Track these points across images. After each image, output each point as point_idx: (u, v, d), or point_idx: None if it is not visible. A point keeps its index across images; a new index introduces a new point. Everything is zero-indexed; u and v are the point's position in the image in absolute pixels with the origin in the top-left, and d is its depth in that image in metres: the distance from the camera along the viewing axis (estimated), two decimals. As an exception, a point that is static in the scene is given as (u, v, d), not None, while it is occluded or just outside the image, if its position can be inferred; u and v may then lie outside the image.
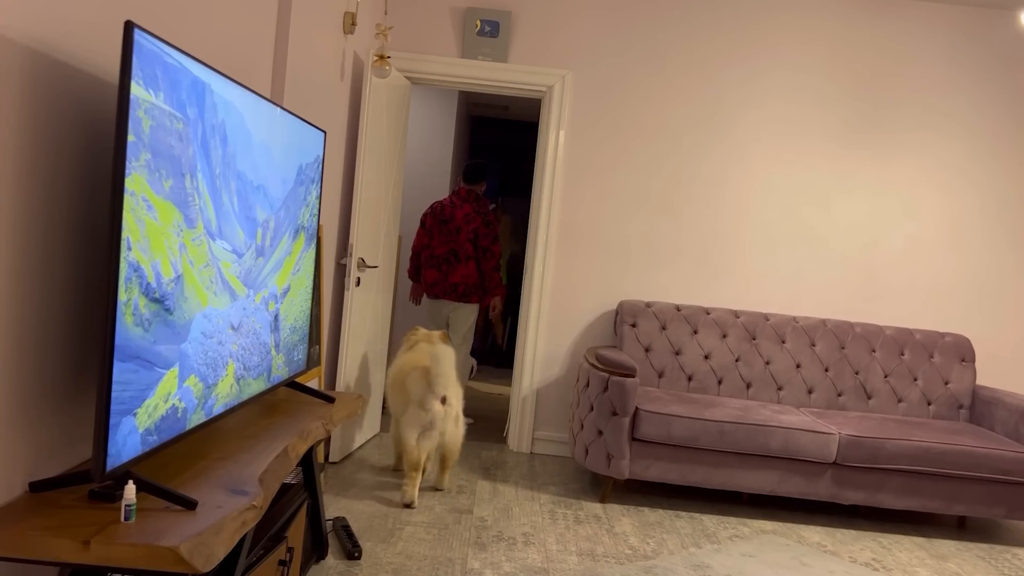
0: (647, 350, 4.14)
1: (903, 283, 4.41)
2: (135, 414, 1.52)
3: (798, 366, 4.16)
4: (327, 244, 3.63)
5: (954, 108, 4.35)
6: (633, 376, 3.54)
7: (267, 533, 2.08)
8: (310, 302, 2.68)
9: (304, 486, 2.53)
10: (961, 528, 3.81)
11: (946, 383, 4.17)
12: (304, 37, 3.01)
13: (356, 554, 2.79)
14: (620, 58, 4.32)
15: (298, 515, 2.34)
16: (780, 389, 4.14)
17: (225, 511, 1.53)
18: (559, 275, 4.41)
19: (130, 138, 1.42)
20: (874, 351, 4.19)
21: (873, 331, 4.23)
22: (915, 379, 4.17)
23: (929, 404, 4.16)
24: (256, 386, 2.20)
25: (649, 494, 3.87)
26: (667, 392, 3.98)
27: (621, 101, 4.34)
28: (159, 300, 1.58)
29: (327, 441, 3.79)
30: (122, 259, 1.42)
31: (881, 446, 3.55)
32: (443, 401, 3.36)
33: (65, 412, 1.66)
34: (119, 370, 1.44)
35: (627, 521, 3.46)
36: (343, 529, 2.94)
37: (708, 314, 4.21)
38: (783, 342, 4.18)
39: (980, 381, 4.46)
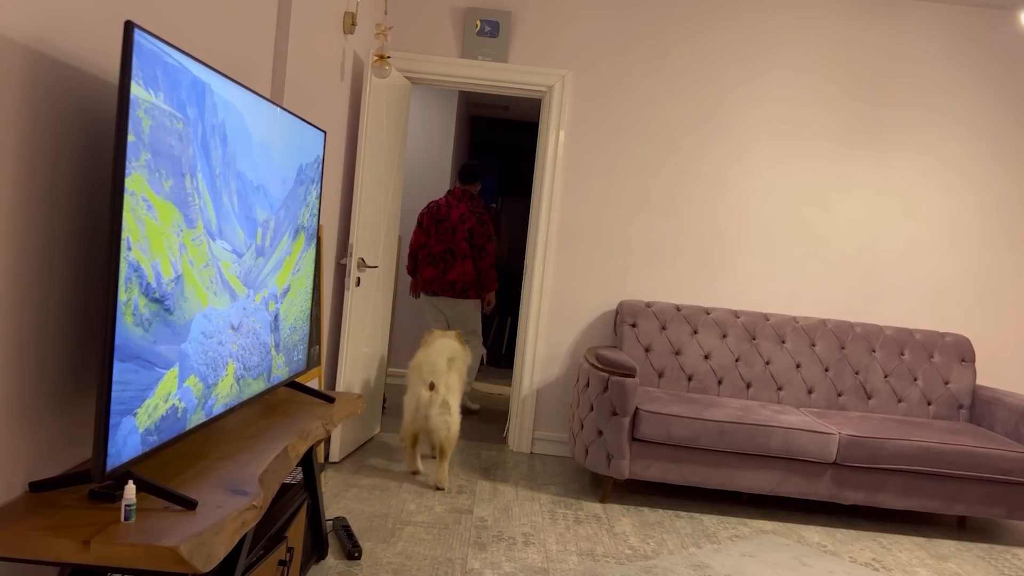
0: (647, 350, 4.14)
1: (903, 283, 4.41)
2: (135, 414, 1.52)
3: (798, 366, 4.16)
4: (327, 244, 3.63)
5: (954, 108, 4.35)
6: (633, 376, 3.54)
7: (267, 533, 2.08)
8: (310, 302, 2.68)
9: (304, 486, 2.53)
10: (961, 528, 3.81)
11: (946, 383, 4.17)
12: (304, 37, 3.01)
13: (356, 554, 2.79)
14: (620, 58, 4.32)
15: (298, 515, 2.34)
16: (780, 389, 4.15)
17: (225, 511, 1.53)
18: (559, 275, 4.41)
19: (130, 138, 1.42)
20: (874, 351, 4.19)
21: (873, 331, 4.23)
22: (915, 379, 4.17)
23: (929, 404, 4.16)
24: (256, 386, 2.20)
25: (649, 494, 3.87)
26: (667, 392, 3.98)
27: (621, 101, 4.34)
28: (159, 300, 1.58)
29: (327, 441, 3.79)
30: (122, 259, 1.42)
31: (881, 446, 3.55)
32: (431, 387, 3.59)
33: (65, 412, 1.66)
34: (119, 370, 1.44)
35: (627, 521, 3.46)
36: (343, 529, 2.94)
37: (708, 314, 4.21)
38: (783, 342, 4.19)
39: (980, 381, 4.46)
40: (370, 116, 3.76)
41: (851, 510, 3.91)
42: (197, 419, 1.81)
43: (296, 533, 2.32)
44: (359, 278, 3.84)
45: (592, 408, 3.66)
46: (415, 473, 3.76)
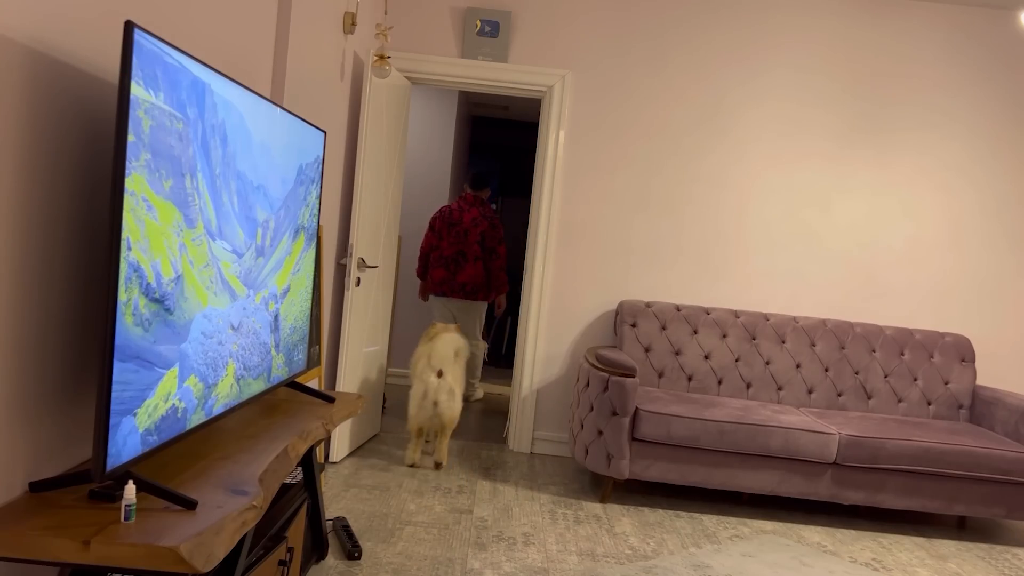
0: (647, 350, 4.14)
1: (903, 283, 4.41)
2: (135, 414, 1.52)
3: (798, 366, 4.16)
4: (327, 244, 3.63)
5: (954, 108, 4.35)
6: (633, 376, 3.54)
7: (267, 533, 2.08)
8: (310, 302, 2.68)
9: (304, 486, 2.53)
10: (961, 528, 3.81)
11: (946, 383, 4.17)
12: (304, 37, 3.01)
13: (356, 554, 2.79)
14: (620, 58, 4.32)
15: (298, 515, 2.34)
16: (780, 389, 4.14)
17: (225, 511, 1.53)
18: (559, 275, 4.41)
19: (130, 138, 1.42)
20: (874, 351, 4.19)
21: (873, 331, 4.23)
22: (915, 379, 4.17)
23: (929, 404, 4.16)
24: (256, 386, 2.20)
25: (649, 494, 3.87)
26: (667, 392, 3.98)
27: (621, 101, 4.34)
28: (159, 300, 1.58)
29: (327, 441, 3.79)
30: (122, 259, 1.42)
31: (881, 446, 3.55)
32: (439, 375, 3.84)
33: (65, 412, 1.66)
34: (119, 370, 1.44)
35: (627, 521, 3.46)
36: (343, 529, 2.94)
37: (708, 314, 4.21)
38: (783, 342, 4.19)
39: (980, 381, 4.46)
40: (370, 116, 3.76)
41: (851, 510, 3.91)
42: (197, 419, 1.81)
43: (296, 533, 2.32)
44: (359, 278, 3.84)
45: (592, 408, 3.66)
46: (412, 466, 3.91)
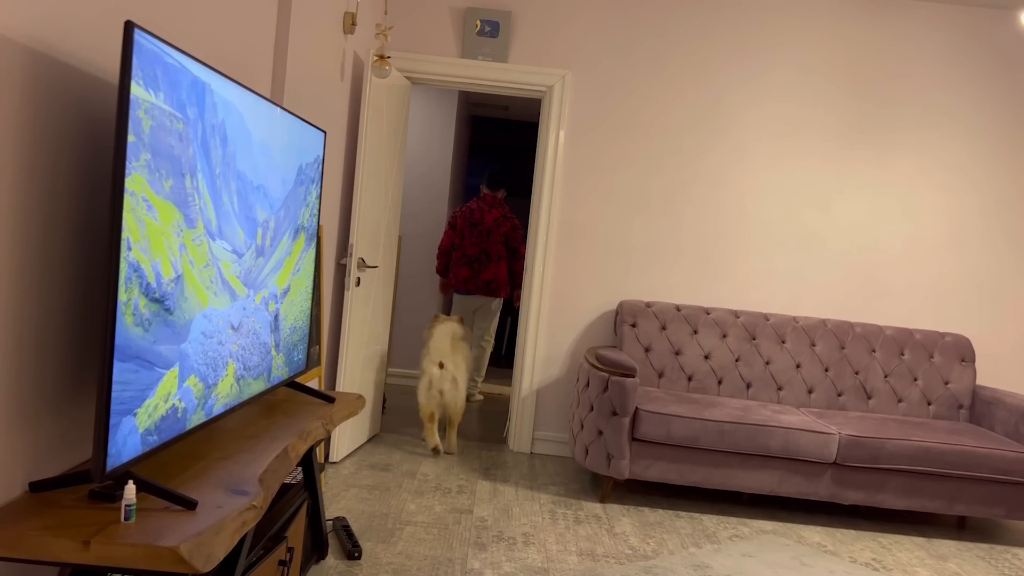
0: (647, 350, 4.14)
1: (903, 283, 4.41)
2: (135, 414, 1.52)
3: (798, 366, 4.16)
4: (327, 244, 3.63)
5: (954, 108, 4.35)
6: (633, 376, 3.54)
7: (267, 533, 2.08)
8: (310, 302, 2.68)
9: (304, 486, 2.53)
10: (961, 528, 3.81)
11: (946, 383, 4.17)
12: (304, 37, 3.01)
13: (356, 554, 2.79)
14: (620, 58, 4.32)
15: (298, 515, 2.34)
16: (780, 389, 4.14)
17: (225, 511, 1.53)
18: (559, 275, 4.41)
19: (130, 138, 1.42)
20: (874, 351, 4.19)
21: (873, 331, 4.23)
22: (915, 379, 4.17)
23: (929, 404, 4.16)
24: (256, 386, 2.20)
25: (649, 494, 3.87)
26: (667, 392, 3.98)
27: (621, 101, 4.34)
28: (159, 300, 1.58)
29: (327, 441, 3.79)
30: (122, 259, 1.42)
31: (881, 446, 3.55)
32: (441, 366, 4.10)
33: (65, 412, 1.66)
34: (119, 370, 1.44)
35: (627, 521, 3.46)
36: (343, 529, 2.94)
37: (708, 314, 4.21)
38: (783, 342, 4.19)
39: (980, 381, 4.46)
40: (370, 116, 3.76)
41: (851, 510, 3.91)
42: (197, 419, 1.81)
43: (296, 533, 2.32)
44: (359, 278, 3.84)
45: (592, 408, 3.66)
46: (435, 450, 4.12)
